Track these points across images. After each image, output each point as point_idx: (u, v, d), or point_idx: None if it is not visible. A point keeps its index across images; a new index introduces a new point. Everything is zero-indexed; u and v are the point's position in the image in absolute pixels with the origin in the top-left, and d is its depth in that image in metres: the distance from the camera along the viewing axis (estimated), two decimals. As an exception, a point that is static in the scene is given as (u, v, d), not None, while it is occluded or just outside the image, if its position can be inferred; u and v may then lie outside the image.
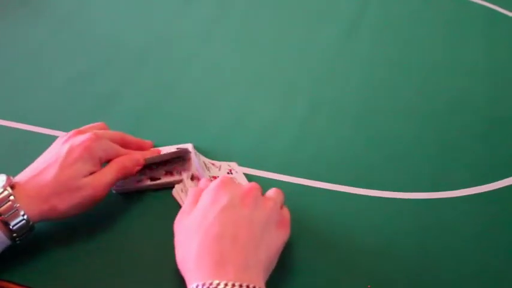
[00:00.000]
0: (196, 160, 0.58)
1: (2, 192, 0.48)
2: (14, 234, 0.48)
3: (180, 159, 0.59)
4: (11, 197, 0.47)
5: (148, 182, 0.57)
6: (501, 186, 0.58)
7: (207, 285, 0.41)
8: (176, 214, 0.50)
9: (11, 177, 0.50)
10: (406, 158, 0.61)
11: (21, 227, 0.48)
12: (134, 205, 0.57)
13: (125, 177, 0.55)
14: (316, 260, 0.51)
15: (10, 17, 0.88)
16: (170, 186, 0.58)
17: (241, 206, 0.47)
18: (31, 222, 0.48)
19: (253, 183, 0.50)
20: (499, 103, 0.69)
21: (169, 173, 0.58)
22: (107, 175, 0.53)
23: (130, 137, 0.59)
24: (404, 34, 0.81)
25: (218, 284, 0.40)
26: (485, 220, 0.55)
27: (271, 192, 0.51)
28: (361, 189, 0.58)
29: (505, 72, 0.73)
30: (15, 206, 0.47)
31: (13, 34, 0.84)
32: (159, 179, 0.57)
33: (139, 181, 0.57)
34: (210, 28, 0.84)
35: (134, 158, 0.56)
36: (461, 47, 0.78)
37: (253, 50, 0.79)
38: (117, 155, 0.55)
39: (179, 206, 0.55)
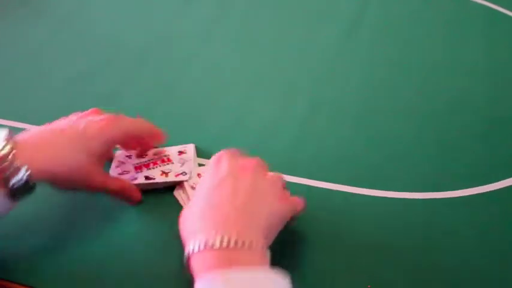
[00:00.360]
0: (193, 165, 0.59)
1: (4, 147, 0.46)
2: (14, 191, 0.46)
3: (178, 162, 0.59)
4: (12, 153, 0.46)
5: (143, 181, 0.57)
6: (501, 186, 0.58)
7: (203, 241, 0.41)
8: (176, 213, 0.50)
9: (12, 132, 0.48)
10: (406, 158, 0.61)
11: (21, 185, 0.46)
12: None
13: (120, 194, 0.55)
14: (317, 260, 0.51)
15: (10, 17, 0.88)
16: (165, 187, 0.57)
17: (242, 175, 0.47)
18: (32, 182, 0.47)
19: (257, 158, 0.50)
20: (499, 103, 0.68)
21: (165, 173, 0.57)
22: (106, 183, 0.53)
23: (147, 127, 0.58)
24: (404, 34, 0.81)
25: (215, 240, 0.41)
26: (485, 221, 0.54)
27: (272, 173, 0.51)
28: (361, 189, 0.58)
29: (505, 72, 0.73)
30: (16, 164, 0.46)
31: (13, 34, 0.84)
32: (154, 178, 0.57)
33: (134, 179, 0.57)
34: (210, 28, 0.84)
35: (135, 189, 0.56)
36: (461, 47, 0.78)
37: (253, 50, 0.79)
38: (129, 142, 0.57)
39: (180, 206, 0.55)
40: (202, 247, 0.41)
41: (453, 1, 0.88)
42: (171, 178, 0.57)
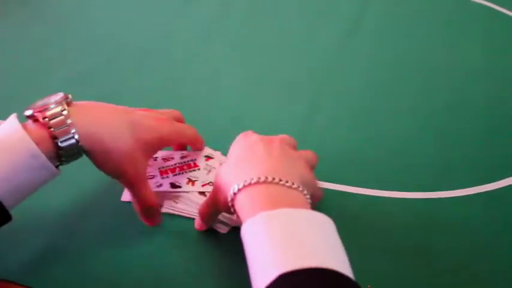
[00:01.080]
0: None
1: (56, 106, 0.46)
2: (61, 152, 0.46)
3: (205, 169, 0.56)
4: (64, 112, 0.46)
5: (169, 188, 0.54)
6: (501, 186, 0.58)
7: (249, 179, 0.42)
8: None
9: (69, 96, 0.48)
10: (406, 157, 0.61)
11: (69, 146, 0.46)
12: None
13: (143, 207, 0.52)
14: (316, 260, 0.51)
15: (10, 17, 0.88)
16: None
17: (271, 143, 0.48)
18: (80, 143, 0.46)
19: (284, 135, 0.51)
20: (499, 103, 0.69)
21: (191, 181, 0.55)
22: (139, 182, 0.50)
23: (194, 134, 0.57)
24: (404, 34, 0.81)
25: (259, 177, 0.42)
26: (486, 220, 0.54)
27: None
28: (361, 189, 0.58)
29: (505, 72, 0.73)
30: (67, 123, 0.45)
31: (13, 34, 0.84)
32: (180, 186, 0.54)
33: (159, 185, 0.54)
34: (210, 28, 0.84)
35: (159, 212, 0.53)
36: (461, 47, 0.78)
37: (253, 49, 0.79)
38: (174, 144, 0.58)
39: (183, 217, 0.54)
40: (247, 183, 0.42)
41: (453, 1, 0.88)
42: (198, 188, 0.54)
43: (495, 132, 0.64)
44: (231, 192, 0.43)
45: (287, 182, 0.43)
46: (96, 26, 0.85)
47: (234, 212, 0.44)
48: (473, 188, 0.57)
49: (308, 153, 0.51)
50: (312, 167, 0.51)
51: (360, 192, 0.57)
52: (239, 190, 0.43)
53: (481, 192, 0.57)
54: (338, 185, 0.58)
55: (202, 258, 0.51)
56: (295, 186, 0.43)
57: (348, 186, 0.58)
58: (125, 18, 0.87)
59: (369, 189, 0.58)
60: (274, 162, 0.45)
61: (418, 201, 0.56)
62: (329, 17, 0.85)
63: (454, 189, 0.57)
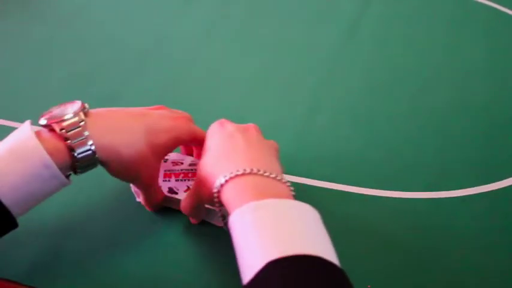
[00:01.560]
0: None
1: (73, 117, 0.46)
2: (77, 163, 0.45)
3: None
4: (82, 123, 0.45)
5: (166, 193, 0.54)
6: (502, 186, 0.58)
7: (234, 171, 0.43)
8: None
9: (86, 105, 0.48)
10: (406, 157, 0.61)
11: (86, 157, 0.45)
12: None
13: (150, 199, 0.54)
14: (316, 260, 0.51)
15: (10, 17, 0.88)
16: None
17: (247, 132, 0.49)
18: (97, 155, 0.46)
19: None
20: (499, 103, 0.68)
21: (189, 189, 0.54)
22: (153, 183, 0.52)
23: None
24: (404, 34, 0.81)
25: (245, 168, 0.43)
26: (486, 220, 0.54)
27: None
28: (360, 189, 0.58)
29: (505, 72, 0.73)
30: (84, 134, 0.45)
31: (13, 34, 0.84)
32: (177, 193, 0.54)
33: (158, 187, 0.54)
34: (210, 28, 0.84)
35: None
36: (462, 47, 0.78)
37: (253, 50, 0.79)
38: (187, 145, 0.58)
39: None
40: (233, 175, 0.43)
41: (454, 0, 0.88)
42: None
43: (495, 132, 0.64)
44: (218, 184, 0.43)
45: (271, 173, 0.43)
46: (96, 26, 0.85)
47: (218, 203, 0.44)
48: (474, 188, 0.57)
49: (275, 143, 0.52)
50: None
51: (360, 192, 0.57)
52: (226, 181, 0.43)
53: (481, 193, 0.57)
54: (338, 185, 0.58)
55: (202, 256, 0.51)
56: (278, 178, 0.43)
57: (348, 186, 0.58)
58: (125, 18, 0.87)
59: (369, 189, 0.58)
60: (255, 152, 0.46)
61: (418, 201, 0.56)
62: (329, 17, 0.85)
63: (454, 190, 0.57)
